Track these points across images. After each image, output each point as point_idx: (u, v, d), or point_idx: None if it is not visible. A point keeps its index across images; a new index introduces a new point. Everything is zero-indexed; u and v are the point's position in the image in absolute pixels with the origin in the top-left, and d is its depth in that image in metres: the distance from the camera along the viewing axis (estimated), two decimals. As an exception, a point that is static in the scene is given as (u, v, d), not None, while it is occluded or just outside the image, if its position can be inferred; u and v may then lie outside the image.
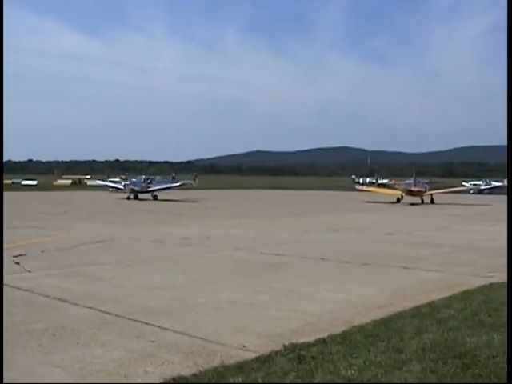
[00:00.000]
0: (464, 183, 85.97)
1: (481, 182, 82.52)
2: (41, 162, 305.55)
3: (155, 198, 51.82)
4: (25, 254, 15.39)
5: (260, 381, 5.90)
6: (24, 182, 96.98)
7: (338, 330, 7.84)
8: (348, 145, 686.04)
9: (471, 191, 73.57)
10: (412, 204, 46.45)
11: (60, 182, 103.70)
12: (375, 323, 8.27)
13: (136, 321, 8.52)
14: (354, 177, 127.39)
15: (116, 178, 74.01)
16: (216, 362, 6.54)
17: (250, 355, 6.81)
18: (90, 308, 9.36)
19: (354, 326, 8.07)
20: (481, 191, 75.66)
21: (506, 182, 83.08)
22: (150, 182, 54.24)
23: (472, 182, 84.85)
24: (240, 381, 5.91)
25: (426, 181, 55.12)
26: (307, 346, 7.07)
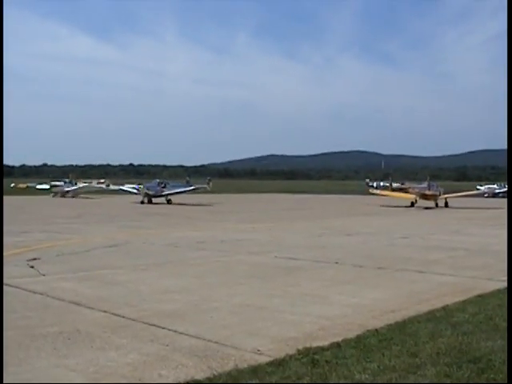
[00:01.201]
0: (478, 187, 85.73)
1: (495, 186, 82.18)
2: (55, 166, 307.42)
3: (169, 201, 51.95)
4: (39, 258, 15.46)
5: (274, 385, 5.90)
6: (39, 186, 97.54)
7: (352, 334, 7.83)
8: (361, 148, 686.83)
9: (485, 195, 73.27)
10: (426, 208, 46.27)
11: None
12: (389, 327, 8.25)
13: (150, 324, 8.54)
14: (368, 180, 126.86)
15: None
16: (230, 366, 6.54)
17: (264, 359, 6.81)
18: (105, 312, 9.39)
19: (368, 330, 8.05)
20: (495, 195, 75.29)
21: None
22: (164, 186, 54.35)
23: (487, 186, 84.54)
24: (254, 385, 5.91)
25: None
26: (321, 349, 7.06)
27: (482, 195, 71.83)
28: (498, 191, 77.57)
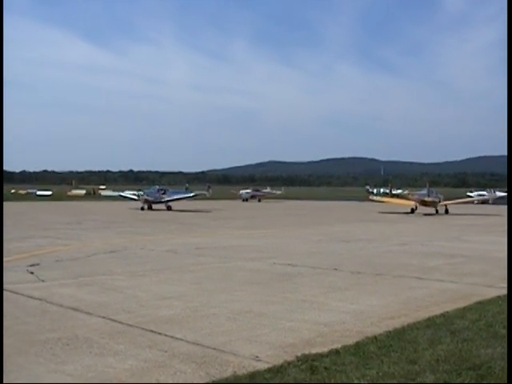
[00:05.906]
0: (469, 193, 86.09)
1: (485, 193, 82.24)
2: (55, 172, 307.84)
3: (169, 208, 51.92)
4: (39, 264, 15.46)
5: (272, 391, 5.88)
6: (39, 193, 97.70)
7: (351, 341, 7.81)
8: (361, 155, 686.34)
9: (475, 202, 73.24)
10: (426, 214, 46.26)
11: (74, 192, 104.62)
12: (388, 334, 8.22)
13: (149, 330, 8.52)
14: (367, 187, 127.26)
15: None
16: (228, 373, 6.53)
17: (262, 366, 6.79)
18: (103, 317, 9.38)
19: (367, 337, 8.03)
20: (485, 201, 75.30)
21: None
22: (164, 193, 54.34)
23: (477, 193, 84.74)
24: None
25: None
26: (320, 356, 7.04)
27: (472, 202, 71.85)
28: (487, 198, 77.66)
